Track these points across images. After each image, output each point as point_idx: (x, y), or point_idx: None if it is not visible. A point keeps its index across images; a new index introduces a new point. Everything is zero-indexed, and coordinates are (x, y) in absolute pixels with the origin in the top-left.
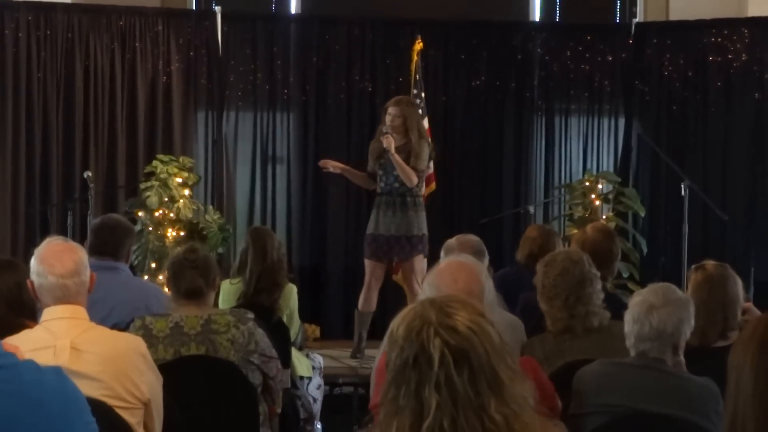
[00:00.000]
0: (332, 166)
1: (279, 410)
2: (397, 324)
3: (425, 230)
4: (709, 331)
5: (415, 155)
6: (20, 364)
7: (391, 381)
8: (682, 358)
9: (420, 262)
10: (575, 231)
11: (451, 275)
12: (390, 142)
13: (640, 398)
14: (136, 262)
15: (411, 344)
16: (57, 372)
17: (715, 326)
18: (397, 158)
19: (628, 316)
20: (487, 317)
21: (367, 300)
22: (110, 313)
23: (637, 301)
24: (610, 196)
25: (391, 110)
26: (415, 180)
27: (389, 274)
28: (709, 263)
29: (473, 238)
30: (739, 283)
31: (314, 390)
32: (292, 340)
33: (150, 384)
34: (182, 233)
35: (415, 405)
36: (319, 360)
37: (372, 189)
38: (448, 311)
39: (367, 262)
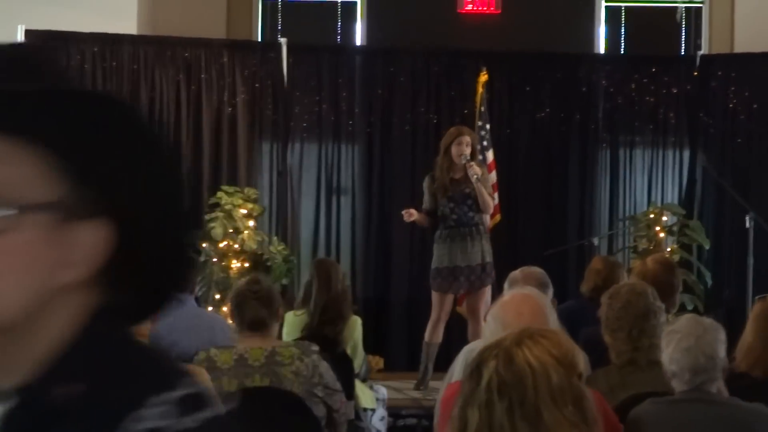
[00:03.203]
0: (411, 215)
1: None
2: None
3: (492, 258)
4: None
5: (485, 180)
6: None
7: (460, 389)
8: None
9: (488, 291)
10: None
11: (516, 308)
12: (478, 171)
13: None
14: (200, 294)
15: (476, 359)
16: None
17: None
18: (481, 187)
19: (674, 354)
20: (568, 360)
21: (435, 332)
22: (174, 345)
23: (681, 336)
24: (675, 229)
25: (463, 140)
26: (492, 206)
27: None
28: None
29: (537, 270)
30: None
31: (378, 422)
32: (356, 371)
33: None
34: (246, 264)
35: (460, 418)
36: (383, 391)
37: (430, 226)
38: (524, 341)
39: (435, 296)
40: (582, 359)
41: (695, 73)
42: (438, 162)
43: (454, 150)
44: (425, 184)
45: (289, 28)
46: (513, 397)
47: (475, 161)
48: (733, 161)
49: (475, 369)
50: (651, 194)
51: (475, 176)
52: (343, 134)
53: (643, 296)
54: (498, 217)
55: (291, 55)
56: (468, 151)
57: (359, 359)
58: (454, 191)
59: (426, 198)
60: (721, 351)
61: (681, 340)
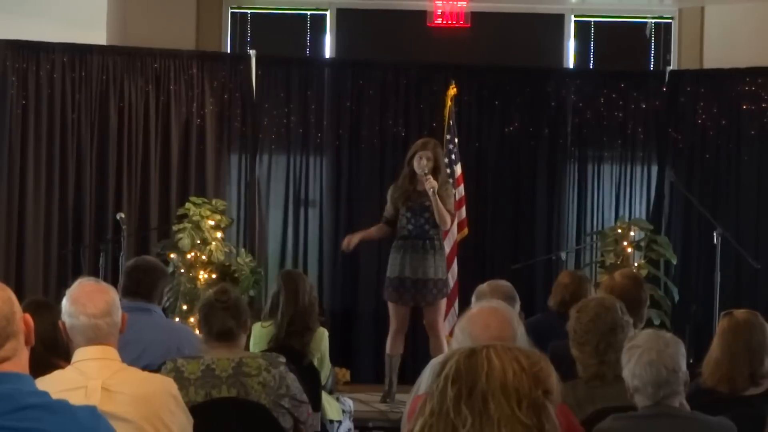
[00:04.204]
0: (350, 242)
1: None
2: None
3: (446, 275)
4: (737, 378)
5: (447, 196)
6: (53, 403)
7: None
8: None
9: (443, 306)
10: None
11: (483, 321)
12: (434, 185)
13: None
14: (167, 304)
15: (445, 356)
16: (91, 411)
17: (741, 372)
18: (438, 201)
19: (636, 368)
20: (533, 372)
21: (395, 343)
22: (142, 354)
23: (642, 350)
24: (642, 244)
25: (423, 153)
26: (449, 222)
27: (417, 318)
28: (738, 311)
29: (505, 283)
30: None
31: None
32: (323, 383)
33: (181, 425)
34: (214, 276)
35: (420, 409)
36: (350, 404)
37: (387, 237)
38: (496, 345)
39: (391, 306)
40: (556, 382)
41: (664, 89)
42: (403, 171)
43: (415, 162)
44: (389, 191)
45: (258, 40)
46: (463, 385)
47: (441, 175)
48: (701, 177)
49: (442, 365)
50: (619, 209)
51: (431, 189)
52: (311, 146)
53: (612, 310)
54: (466, 231)
55: (260, 67)
56: (429, 165)
57: (326, 371)
58: (414, 202)
59: (388, 206)
60: (683, 364)
61: (642, 355)
